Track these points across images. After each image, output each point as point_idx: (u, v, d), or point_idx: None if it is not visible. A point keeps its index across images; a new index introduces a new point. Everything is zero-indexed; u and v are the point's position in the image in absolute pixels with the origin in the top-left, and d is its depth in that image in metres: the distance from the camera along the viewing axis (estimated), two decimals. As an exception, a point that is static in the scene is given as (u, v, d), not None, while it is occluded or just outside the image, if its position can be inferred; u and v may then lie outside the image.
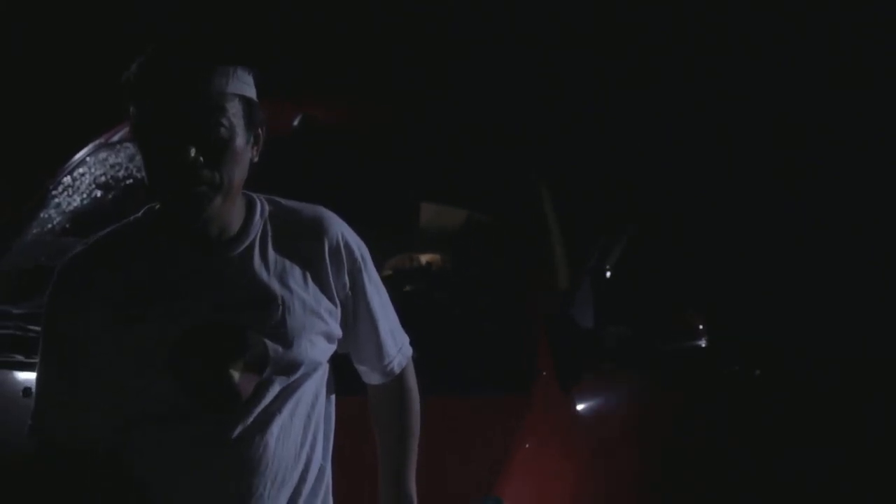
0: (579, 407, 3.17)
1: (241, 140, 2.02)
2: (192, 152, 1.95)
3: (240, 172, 2.04)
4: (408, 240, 3.82)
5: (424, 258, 3.55)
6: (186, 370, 2.02)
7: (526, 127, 4.18)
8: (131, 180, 3.74)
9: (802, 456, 3.87)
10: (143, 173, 2.04)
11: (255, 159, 2.08)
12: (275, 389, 2.08)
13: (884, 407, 4.03)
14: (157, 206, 2.09)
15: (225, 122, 1.99)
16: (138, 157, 3.87)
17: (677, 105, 4.88)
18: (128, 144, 3.87)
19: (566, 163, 4.07)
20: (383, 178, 3.78)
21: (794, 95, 5.38)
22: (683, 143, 4.48)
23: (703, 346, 3.26)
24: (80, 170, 3.86)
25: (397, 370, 2.33)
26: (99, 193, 3.78)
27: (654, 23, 5.97)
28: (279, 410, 2.09)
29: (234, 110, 2.01)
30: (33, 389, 2.15)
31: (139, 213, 2.13)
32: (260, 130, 2.08)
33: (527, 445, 2.88)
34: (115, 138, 3.95)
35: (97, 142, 3.99)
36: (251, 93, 2.06)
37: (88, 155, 3.92)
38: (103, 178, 3.79)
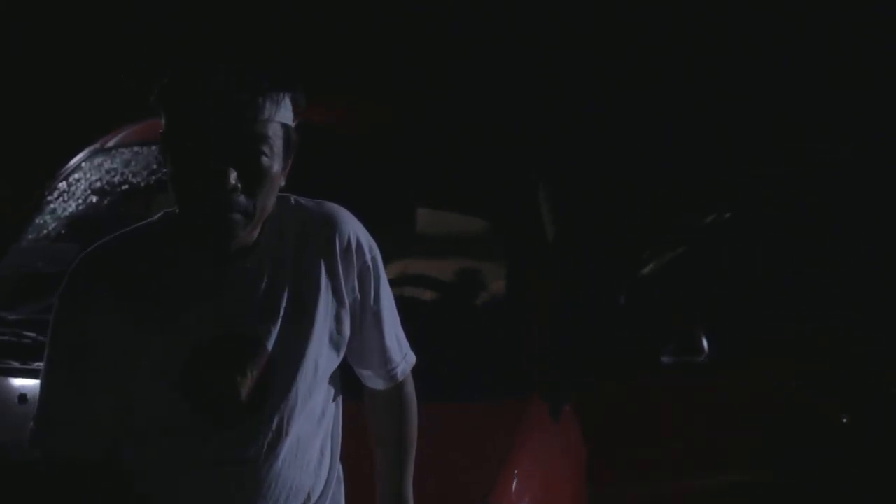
0: (579, 411, 3.16)
1: (277, 167, 2.00)
2: (234, 178, 1.93)
3: (271, 201, 2.02)
4: (407, 241, 3.81)
5: (423, 260, 3.55)
6: (196, 383, 1.99)
7: (526, 127, 4.16)
8: (127, 186, 3.73)
9: (802, 456, 3.86)
10: (170, 182, 2.00)
11: (283, 184, 2.05)
12: (286, 404, 2.05)
13: (884, 407, 4.01)
14: (176, 211, 2.05)
15: (267, 150, 1.97)
16: (133, 163, 3.87)
17: (677, 105, 4.87)
18: (123, 150, 3.86)
19: (566, 163, 4.06)
20: (383, 178, 3.76)
21: (793, 95, 5.37)
22: (683, 143, 4.46)
23: (703, 360, 3.27)
24: (76, 175, 3.84)
25: (401, 377, 2.29)
26: (94, 199, 3.76)
27: (654, 23, 5.96)
28: (289, 428, 2.06)
29: (276, 138, 1.99)
30: (29, 396, 2.13)
31: (155, 218, 2.10)
32: (291, 158, 2.06)
33: (526, 450, 2.87)
34: (111, 143, 3.93)
35: (93, 147, 3.97)
36: (290, 119, 2.03)
37: (84, 160, 3.91)
38: (99, 184, 3.78)
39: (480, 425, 2.92)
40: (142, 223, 2.11)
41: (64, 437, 2.03)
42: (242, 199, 1.95)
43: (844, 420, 3.75)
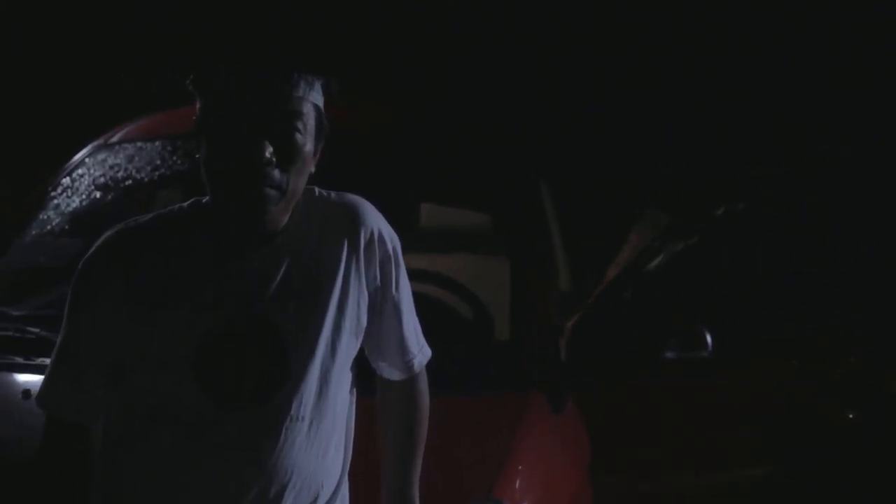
0: (580, 406, 3.17)
1: (310, 147, 2.04)
2: (268, 153, 1.97)
3: (303, 181, 2.06)
4: (408, 240, 3.81)
5: (425, 259, 3.55)
6: (209, 366, 2.01)
7: (526, 127, 4.17)
8: (130, 181, 3.73)
9: (802, 456, 3.86)
10: (203, 165, 2.03)
11: (314, 170, 2.08)
12: (303, 389, 2.06)
13: (884, 407, 4.01)
14: (205, 200, 2.08)
15: (300, 126, 2.01)
16: (137, 159, 3.87)
17: (677, 105, 4.88)
18: (126, 145, 3.86)
19: (566, 163, 4.06)
20: (383, 178, 3.76)
21: (794, 95, 5.38)
22: (683, 143, 4.47)
23: (707, 356, 3.28)
24: (79, 171, 3.84)
25: (417, 368, 2.30)
26: (98, 195, 3.76)
27: (654, 23, 5.97)
28: (306, 414, 2.07)
29: (309, 117, 2.03)
30: (33, 391, 2.14)
31: (185, 204, 2.12)
32: (322, 143, 2.09)
33: (527, 445, 2.87)
34: (114, 139, 3.93)
35: (96, 143, 3.97)
36: (322, 102, 2.07)
37: (87, 156, 3.90)
38: (102, 180, 3.77)
39: (484, 420, 2.92)
40: (170, 207, 2.14)
41: (60, 401, 2.09)
42: (276, 173, 1.98)
43: (851, 416, 3.75)
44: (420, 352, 2.31)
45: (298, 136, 2.00)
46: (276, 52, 2.10)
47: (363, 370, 2.26)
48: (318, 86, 2.05)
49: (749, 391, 3.70)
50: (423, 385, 2.35)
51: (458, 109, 4.41)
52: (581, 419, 3.20)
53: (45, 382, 2.10)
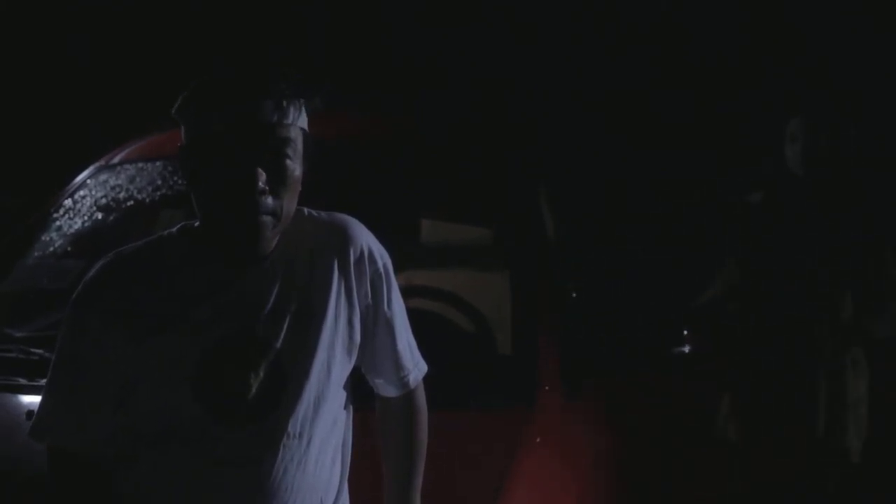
0: (583, 417, 3.17)
1: (300, 171, 2.06)
2: (262, 181, 1.99)
3: (294, 204, 2.08)
4: (408, 247, 3.81)
5: (425, 270, 3.55)
6: (207, 385, 2.03)
7: (526, 127, 4.17)
8: (132, 202, 3.74)
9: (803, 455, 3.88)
10: (194, 193, 2.05)
11: (300, 189, 2.10)
12: (300, 407, 2.08)
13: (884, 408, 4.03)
14: (197, 224, 2.10)
15: (291, 153, 2.03)
16: (138, 179, 3.87)
17: (678, 105, 4.89)
18: (128, 166, 3.86)
19: (566, 163, 4.06)
20: (382, 184, 3.77)
21: (795, 95, 5.38)
22: (684, 143, 4.48)
23: (686, 351, 3.29)
24: (81, 192, 3.85)
25: (413, 384, 2.32)
26: (100, 216, 3.77)
27: (654, 23, 5.97)
28: (303, 431, 2.09)
29: (297, 142, 2.05)
30: (36, 411, 2.15)
31: (173, 229, 2.14)
32: (308, 164, 2.11)
33: (530, 457, 2.87)
34: (116, 160, 3.94)
35: (98, 164, 3.98)
36: (307, 125, 2.09)
37: (89, 177, 3.91)
38: (104, 201, 3.78)
39: (485, 434, 2.93)
40: (160, 234, 2.16)
41: (57, 427, 2.11)
42: (270, 200, 2.01)
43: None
44: (415, 367, 2.32)
45: (289, 162, 2.03)
46: (275, 57, 2.11)
47: (362, 384, 2.28)
48: (303, 109, 2.06)
49: (745, 391, 3.70)
50: (421, 400, 2.37)
51: (458, 111, 4.41)
52: (584, 430, 3.19)
53: (39, 412, 2.13)
